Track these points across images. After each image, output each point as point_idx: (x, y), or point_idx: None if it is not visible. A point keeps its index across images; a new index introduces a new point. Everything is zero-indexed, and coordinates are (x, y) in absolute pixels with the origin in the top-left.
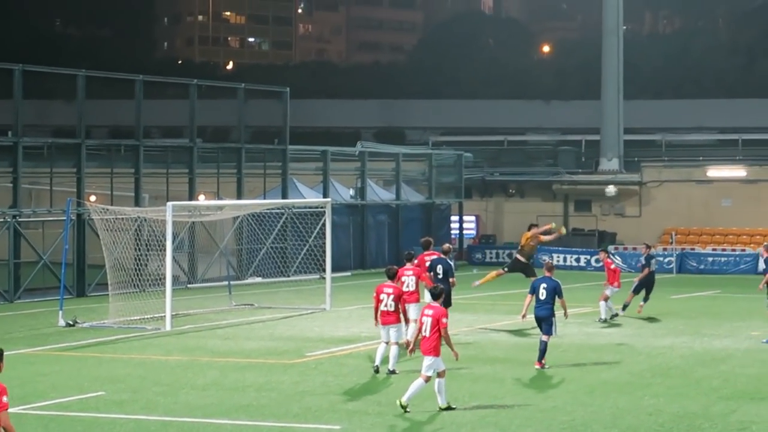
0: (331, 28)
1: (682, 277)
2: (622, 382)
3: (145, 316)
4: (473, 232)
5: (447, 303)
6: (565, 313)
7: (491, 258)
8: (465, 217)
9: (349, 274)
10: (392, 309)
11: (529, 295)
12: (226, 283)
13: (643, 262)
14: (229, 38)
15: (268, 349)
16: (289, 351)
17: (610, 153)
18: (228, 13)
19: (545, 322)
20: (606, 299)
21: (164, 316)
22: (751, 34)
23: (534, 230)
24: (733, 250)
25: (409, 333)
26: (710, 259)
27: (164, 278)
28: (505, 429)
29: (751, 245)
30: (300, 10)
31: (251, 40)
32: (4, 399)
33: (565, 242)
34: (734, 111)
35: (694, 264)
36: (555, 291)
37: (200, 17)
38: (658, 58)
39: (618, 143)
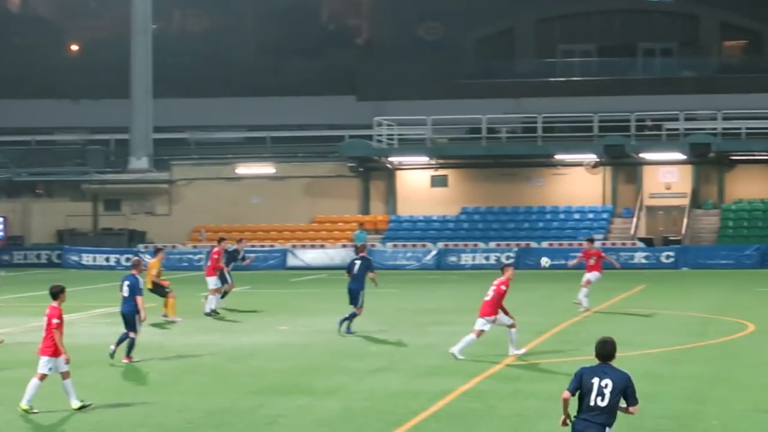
0: None
1: None
2: (152, 380)
3: None
4: (1, 233)
5: None
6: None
7: (19, 259)
8: None
9: None
10: None
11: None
12: None
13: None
14: None
15: None
16: None
17: (140, 152)
18: None
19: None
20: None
21: None
22: (278, 34)
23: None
24: (263, 246)
25: None
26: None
27: None
28: None
29: (280, 241)
30: None
31: None
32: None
33: (94, 242)
34: (262, 109)
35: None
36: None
37: None
38: (188, 57)
39: (147, 142)
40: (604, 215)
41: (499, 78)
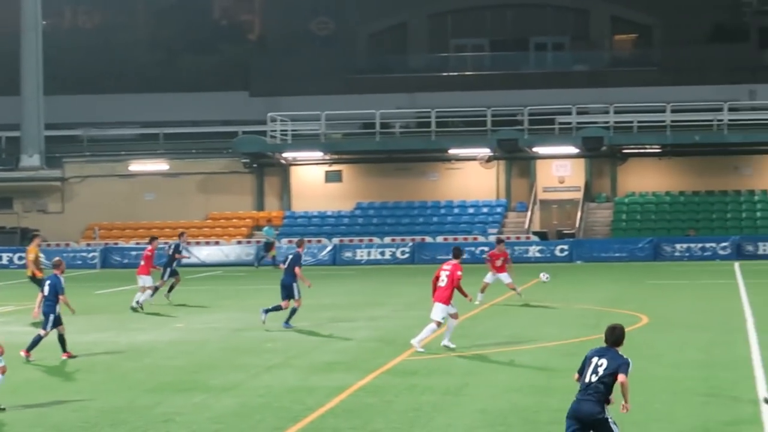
0: None
1: (107, 271)
2: (48, 379)
3: None
4: None
5: None
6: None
7: None
8: None
9: None
10: None
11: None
12: None
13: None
14: None
15: None
16: None
17: (32, 149)
18: None
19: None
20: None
21: None
22: (170, 30)
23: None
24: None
25: None
26: (134, 253)
27: None
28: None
29: (174, 237)
30: None
31: None
32: None
33: None
34: (156, 105)
35: (119, 258)
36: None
37: None
38: (80, 53)
39: (39, 139)
40: (498, 209)
41: (392, 73)
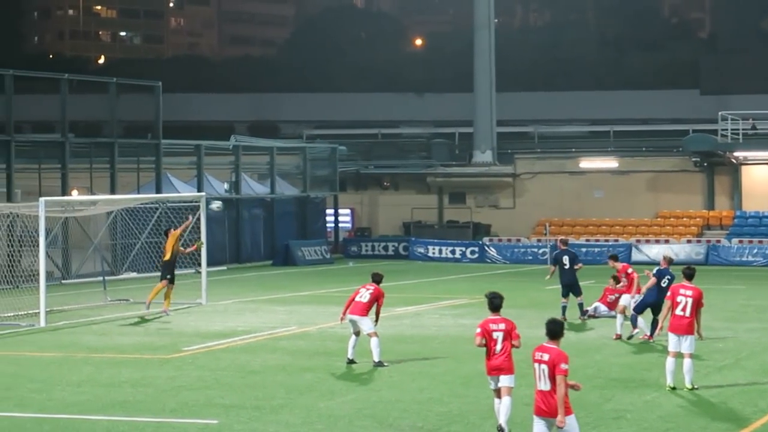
0: (203, 21)
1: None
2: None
3: (19, 313)
4: (349, 225)
5: None
6: None
7: (367, 251)
8: (340, 211)
9: (224, 268)
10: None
11: None
12: (100, 278)
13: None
14: (100, 32)
15: (144, 344)
16: (164, 346)
17: (484, 145)
18: (99, 7)
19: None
20: (623, 311)
21: (38, 312)
22: (620, 26)
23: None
24: (606, 240)
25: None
26: (584, 249)
27: (38, 274)
28: (382, 421)
29: (624, 236)
30: (171, 4)
31: (123, 34)
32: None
33: (440, 234)
34: (605, 103)
35: None
36: None
37: (70, 11)
38: (530, 51)
39: (491, 135)
40: None
41: None
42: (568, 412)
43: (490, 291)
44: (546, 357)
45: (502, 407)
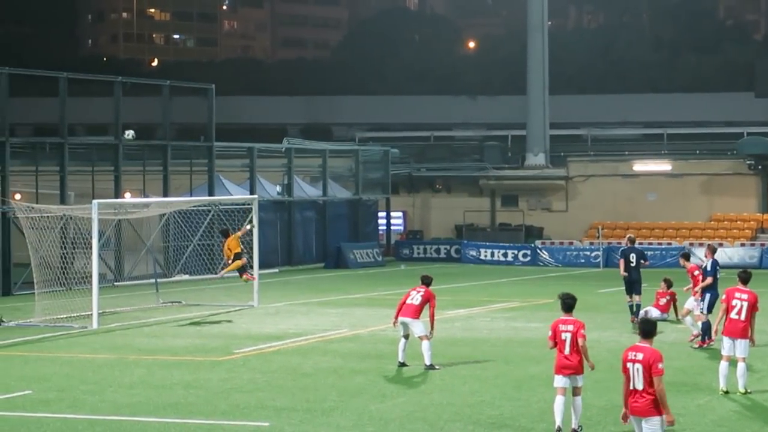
0: (256, 24)
1: (609, 271)
2: (549, 376)
3: (72, 315)
4: (401, 227)
5: None
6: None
7: (419, 253)
8: (392, 213)
9: (276, 270)
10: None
11: None
12: (153, 280)
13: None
14: (153, 35)
15: (196, 346)
16: (216, 348)
17: (536, 148)
18: (152, 10)
19: None
20: (688, 314)
21: (91, 314)
22: (674, 29)
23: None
24: (660, 243)
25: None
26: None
27: (91, 276)
28: (434, 424)
29: (677, 239)
30: (224, 7)
31: (176, 36)
32: None
33: (492, 237)
34: (658, 106)
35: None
36: None
37: (124, 14)
38: (583, 54)
39: (544, 138)
40: None
41: None
42: (659, 412)
43: (563, 292)
44: (640, 356)
45: (575, 407)
